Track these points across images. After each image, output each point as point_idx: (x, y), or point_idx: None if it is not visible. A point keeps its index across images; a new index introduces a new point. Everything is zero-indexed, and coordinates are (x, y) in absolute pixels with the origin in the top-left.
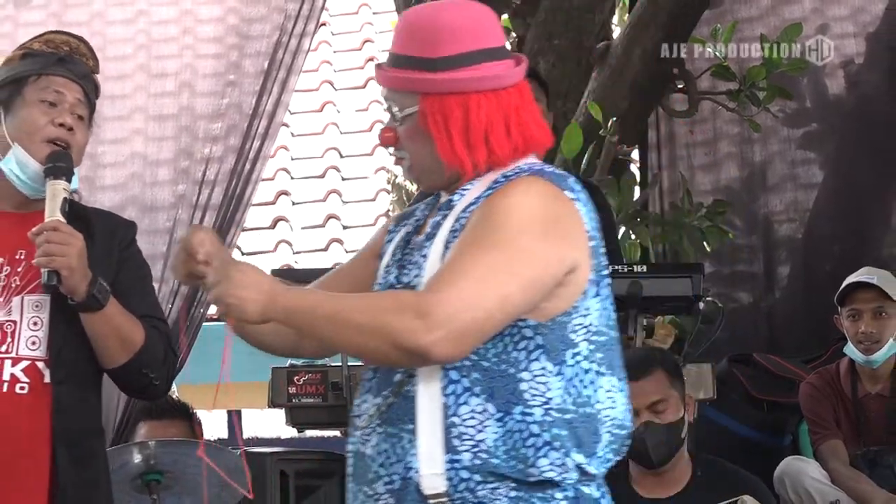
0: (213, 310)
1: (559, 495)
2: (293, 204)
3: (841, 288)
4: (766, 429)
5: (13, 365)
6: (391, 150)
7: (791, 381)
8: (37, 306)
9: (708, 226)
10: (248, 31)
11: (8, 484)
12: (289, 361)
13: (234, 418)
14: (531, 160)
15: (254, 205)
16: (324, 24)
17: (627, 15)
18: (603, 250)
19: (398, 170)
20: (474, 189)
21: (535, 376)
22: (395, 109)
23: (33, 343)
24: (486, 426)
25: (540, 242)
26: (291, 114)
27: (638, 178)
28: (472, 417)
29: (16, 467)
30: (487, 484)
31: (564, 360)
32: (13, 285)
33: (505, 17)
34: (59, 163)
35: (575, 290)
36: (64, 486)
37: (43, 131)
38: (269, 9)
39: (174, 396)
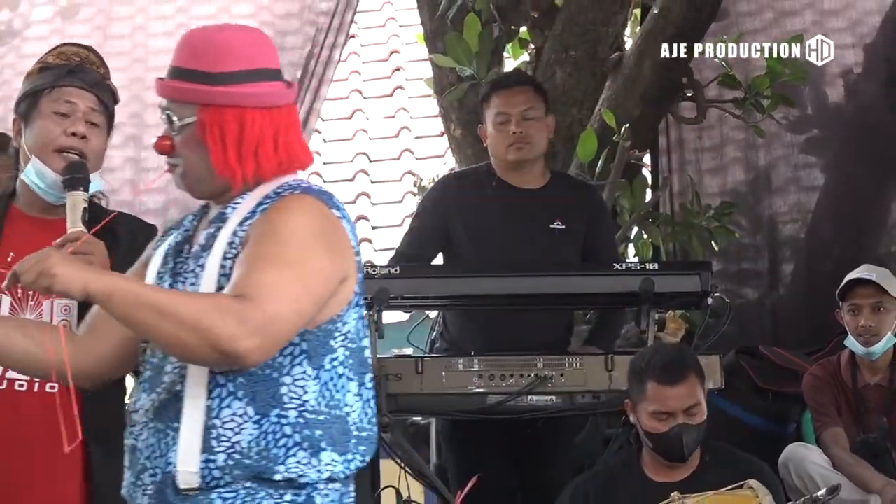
0: None
1: (288, 497)
2: None
3: (842, 284)
4: (771, 417)
5: None
6: (166, 157)
7: (795, 372)
8: (65, 310)
9: (716, 226)
10: (282, 43)
11: (44, 482)
12: None
13: None
14: (296, 177)
15: None
16: (353, 37)
17: (639, 28)
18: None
19: (424, 173)
20: (246, 203)
21: (296, 380)
22: (174, 119)
23: None
24: (243, 429)
25: (324, 260)
26: (323, 121)
27: (649, 181)
28: (232, 420)
29: (51, 466)
30: (235, 482)
31: (323, 365)
32: None
33: (524, 29)
34: (76, 174)
35: (343, 300)
36: (98, 481)
37: (56, 141)
38: (301, 22)
39: None
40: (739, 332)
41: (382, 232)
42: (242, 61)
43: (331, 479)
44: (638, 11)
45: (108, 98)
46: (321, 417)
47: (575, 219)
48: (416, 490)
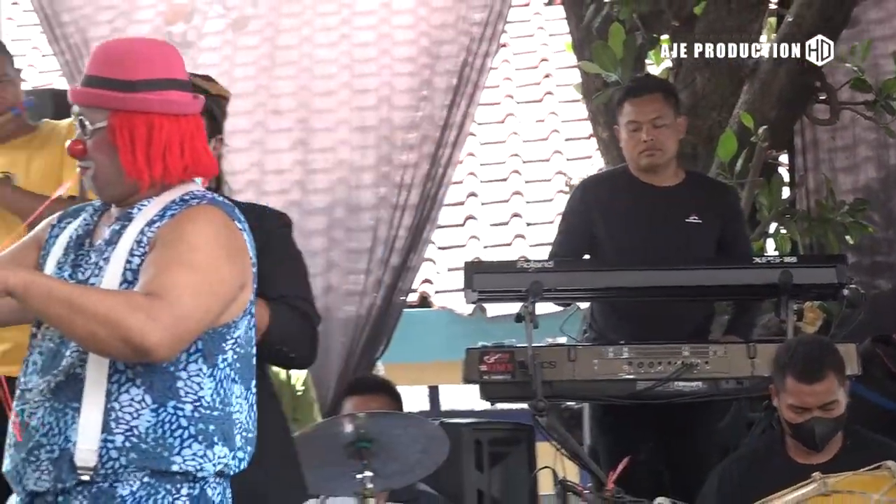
0: (413, 297)
1: (185, 490)
2: (481, 204)
3: None
4: None
5: None
6: (78, 160)
7: None
8: None
9: (850, 221)
10: (438, 52)
11: None
12: (480, 343)
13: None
14: (199, 187)
15: (446, 205)
16: (504, 45)
17: (774, 34)
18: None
19: (573, 173)
20: (152, 206)
21: (192, 376)
22: (86, 123)
23: None
24: (140, 414)
25: (229, 267)
26: (478, 124)
27: (786, 180)
28: (131, 405)
29: None
30: (131, 465)
31: (217, 364)
32: None
33: (665, 36)
34: None
35: (240, 307)
36: None
37: None
38: (456, 32)
39: (378, 374)
40: (874, 321)
41: (535, 229)
42: (152, 71)
43: (220, 474)
44: (773, 20)
45: None
46: (215, 413)
47: (710, 215)
48: (571, 470)
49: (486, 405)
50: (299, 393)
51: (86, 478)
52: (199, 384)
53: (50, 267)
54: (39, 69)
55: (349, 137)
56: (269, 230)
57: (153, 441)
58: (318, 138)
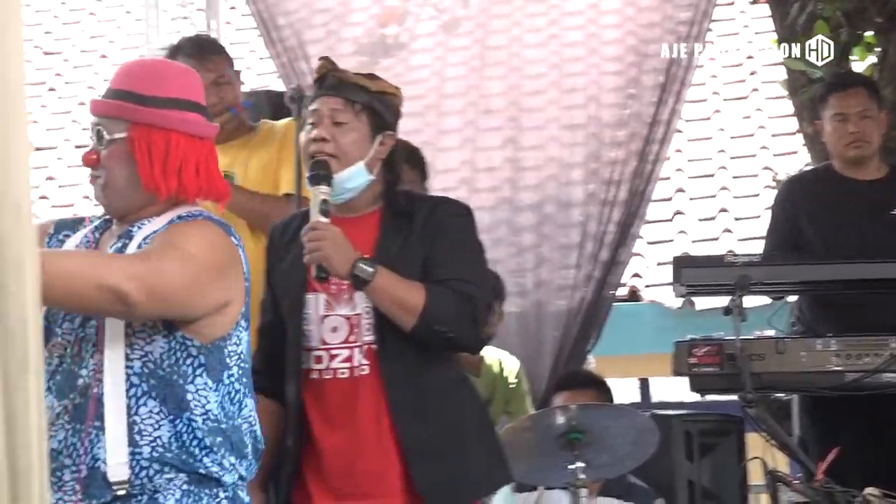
0: (622, 292)
1: (222, 494)
2: (689, 199)
3: None
4: None
5: (359, 351)
6: (91, 170)
7: None
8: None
9: None
10: (645, 51)
11: (370, 449)
12: (689, 336)
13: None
14: (199, 209)
15: (654, 200)
16: (710, 43)
17: None
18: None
19: (780, 168)
20: (152, 224)
21: (199, 389)
22: (104, 134)
23: (368, 329)
24: (161, 425)
25: (217, 274)
26: (685, 121)
27: None
28: (150, 417)
29: (367, 437)
30: (164, 474)
31: (221, 379)
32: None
33: (869, 33)
34: (317, 171)
35: (228, 321)
36: (409, 445)
37: (306, 149)
38: (662, 31)
39: (589, 367)
40: None
41: (742, 223)
42: (173, 90)
43: (241, 478)
44: None
45: (355, 92)
46: (223, 426)
47: None
48: (780, 461)
49: (695, 396)
50: (512, 385)
51: (121, 492)
52: (205, 397)
53: None
54: (257, 72)
55: (558, 135)
56: (442, 218)
57: (177, 450)
58: (528, 136)
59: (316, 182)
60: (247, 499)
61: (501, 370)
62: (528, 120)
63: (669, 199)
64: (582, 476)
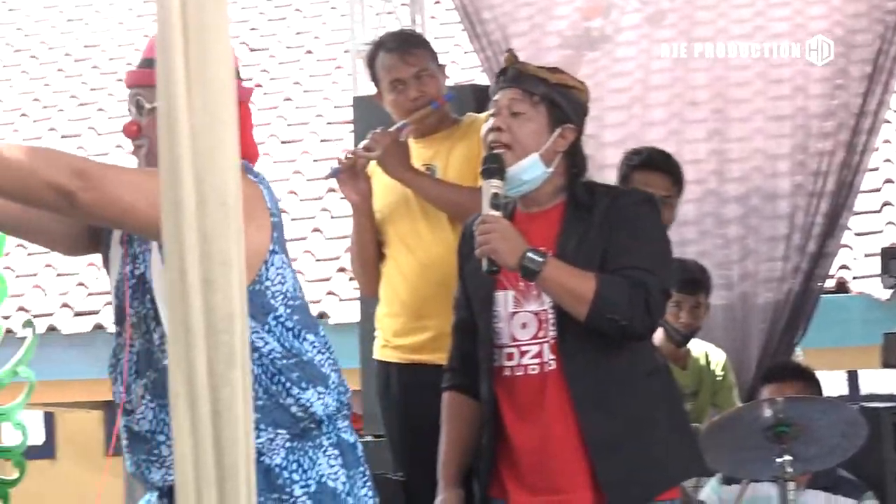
0: (830, 283)
1: (325, 441)
2: None
3: None
4: None
5: (547, 346)
6: (133, 141)
7: None
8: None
9: None
10: (852, 41)
11: (558, 444)
12: None
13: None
14: None
15: (862, 191)
16: None
17: None
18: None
19: None
20: None
21: (253, 338)
22: (143, 103)
23: (553, 324)
24: None
25: None
26: (894, 111)
27: None
28: None
29: (556, 432)
30: (264, 433)
31: (268, 322)
32: None
33: None
34: (490, 164)
35: (254, 262)
36: (592, 439)
37: (483, 139)
38: (870, 21)
39: (797, 359)
40: None
41: None
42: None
43: (338, 415)
44: None
45: (533, 85)
46: (292, 361)
47: None
48: None
49: None
50: (719, 378)
51: None
52: (263, 341)
53: (116, 262)
54: (461, 66)
55: (764, 126)
56: (621, 207)
57: (263, 396)
58: (734, 128)
59: (489, 175)
60: (352, 438)
61: (708, 363)
62: (734, 111)
63: (878, 190)
64: (789, 469)
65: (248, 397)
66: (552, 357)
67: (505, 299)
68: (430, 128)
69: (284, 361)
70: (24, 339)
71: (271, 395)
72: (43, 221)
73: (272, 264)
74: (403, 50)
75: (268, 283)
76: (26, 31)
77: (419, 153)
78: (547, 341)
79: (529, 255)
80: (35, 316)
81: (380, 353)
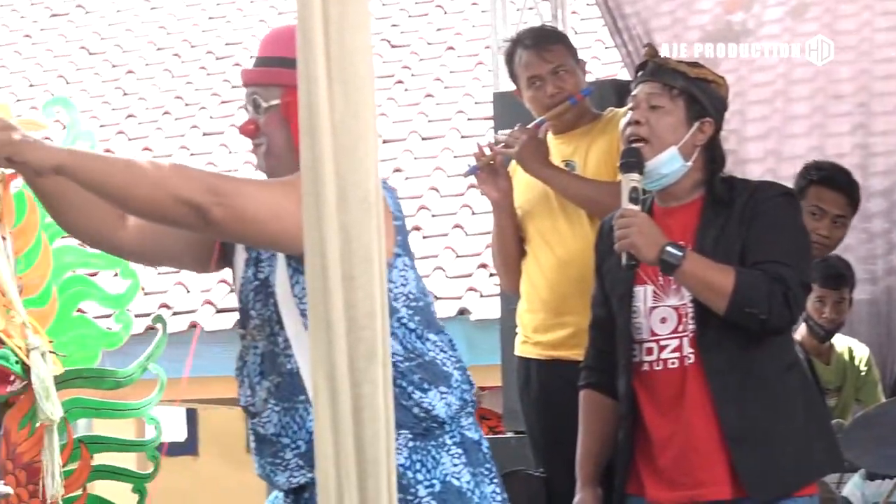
0: None
1: (449, 440)
2: None
3: None
4: None
5: (686, 341)
6: (252, 140)
7: None
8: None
9: None
10: None
11: (698, 438)
12: None
13: None
14: None
15: None
16: None
17: None
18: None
19: None
20: None
21: None
22: (260, 102)
23: (692, 319)
24: None
25: None
26: None
27: None
28: None
29: (696, 426)
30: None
31: (392, 325)
32: None
33: None
34: (628, 158)
35: None
36: (730, 433)
37: (622, 133)
38: None
39: None
40: None
41: None
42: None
43: (461, 409)
44: None
45: (675, 80)
46: (415, 362)
47: None
48: None
49: None
50: (862, 373)
51: None
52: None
53: (240, 265)
54: (603, 61)
55: None
56: (760, 201)
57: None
58: (879, 122)
59: (627, 169)
60: (476, 435)
61: (851, 358)
62: (879, 105)
63: None
64: None
65: (389, 393)
66: (691, 351)
67: (644, 294)
68: (569, 124)
69: (406, 364)
70: (175, 334)
71: (393, 398)
72: (166, 243)
73: (395, 267)
74: (540, 47)
75: (391, 286)
76: (169, 30)
77: (558, 149)
78: (686, 335)
79: (668, 248)
80: (176, 313)
81: (520, 349)
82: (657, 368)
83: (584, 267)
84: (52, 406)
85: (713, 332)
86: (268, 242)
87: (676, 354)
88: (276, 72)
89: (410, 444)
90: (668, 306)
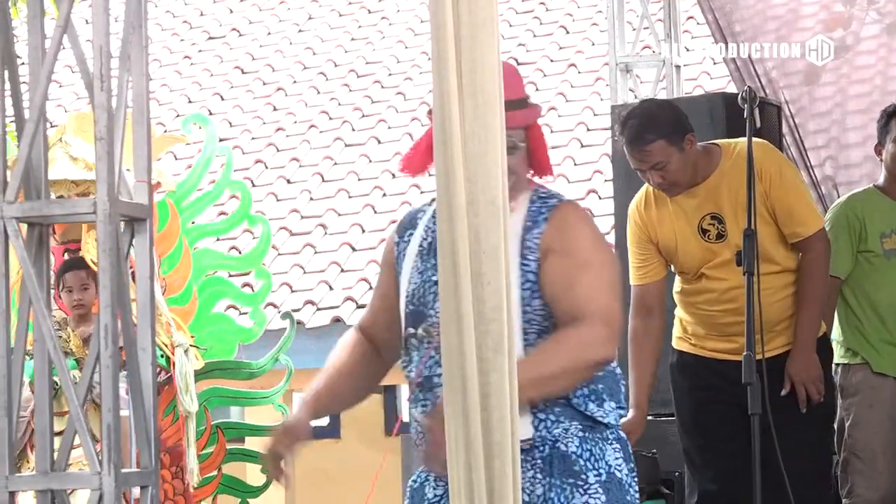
0: None
1: (610, 435)
2: None
3: None
4: None
5: None
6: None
7: None
8: None
9: None
10: None
11: None
12: None
13: None
14: (542, 184)
15: None
16: None
17: None
18: None
19: None
20: (517, 211)
21: None
22: (516, 142)
23: None
24: None
25: (607, 253)
26: None
27: None
28: None
29: None
30: (560, 424)
31: None
32: None
33: None
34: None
35: None
36: None
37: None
38: None
39: None
40: None
41: None
42: (521, 88)
43: (619, 418)
44: None
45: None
46: (601, 373)
47: None
48: None
49: None
50: None
51: (525, 446)
52: None
53: (406, 275)
54: (712, 76)
55: None
56: None
57: (562, 402)
58: None
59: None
60: (624, 436)
61: None
62: None
63: None
64: None
65: (514, 382)
66: None
67: None
68: (693, 180)
69: (597, 374)
70: (317, 328)
71: (570, 406)
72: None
73: None
74: (636, 147)
75: None
76: (316, 50)
77: (697, 206)
78: None
79: None
80: (320, 308)
81: (676, 343)
82: None
83: None
84: (189, 399)
85: None
86: None
87: None
88: (518, 114)
89: (580, 433)
90: None
